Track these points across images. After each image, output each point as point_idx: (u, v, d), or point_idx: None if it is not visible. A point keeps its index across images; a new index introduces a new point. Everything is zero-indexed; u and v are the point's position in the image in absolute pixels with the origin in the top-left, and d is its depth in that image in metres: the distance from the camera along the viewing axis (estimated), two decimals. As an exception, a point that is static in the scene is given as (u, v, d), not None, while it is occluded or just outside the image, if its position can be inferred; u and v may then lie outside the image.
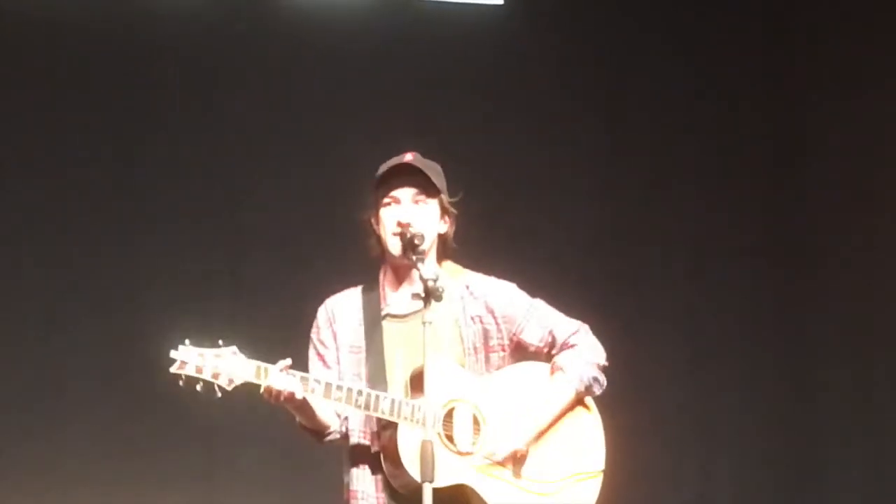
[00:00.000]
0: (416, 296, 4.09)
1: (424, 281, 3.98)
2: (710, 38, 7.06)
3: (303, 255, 6.53)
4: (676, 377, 6.92)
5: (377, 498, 4.20)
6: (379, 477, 4.20)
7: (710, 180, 7.03)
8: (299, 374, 4.08)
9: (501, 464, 4.20)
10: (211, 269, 6.52)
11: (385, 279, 4.32)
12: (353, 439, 4.25)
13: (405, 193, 4.26)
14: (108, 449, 6.37)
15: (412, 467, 4.06)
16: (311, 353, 4.31)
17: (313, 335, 4.33)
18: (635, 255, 6.94)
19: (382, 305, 4.28)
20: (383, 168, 4.27)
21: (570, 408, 4.32)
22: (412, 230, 4.17)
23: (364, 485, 4.22)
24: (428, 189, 4.26)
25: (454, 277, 4.33)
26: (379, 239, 4.28)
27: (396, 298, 4.29)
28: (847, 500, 6.78)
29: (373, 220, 4.30)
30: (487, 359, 4.30)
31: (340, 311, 4.31)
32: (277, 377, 4.03)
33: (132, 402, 6.34)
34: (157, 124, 6.58)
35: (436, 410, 4.07)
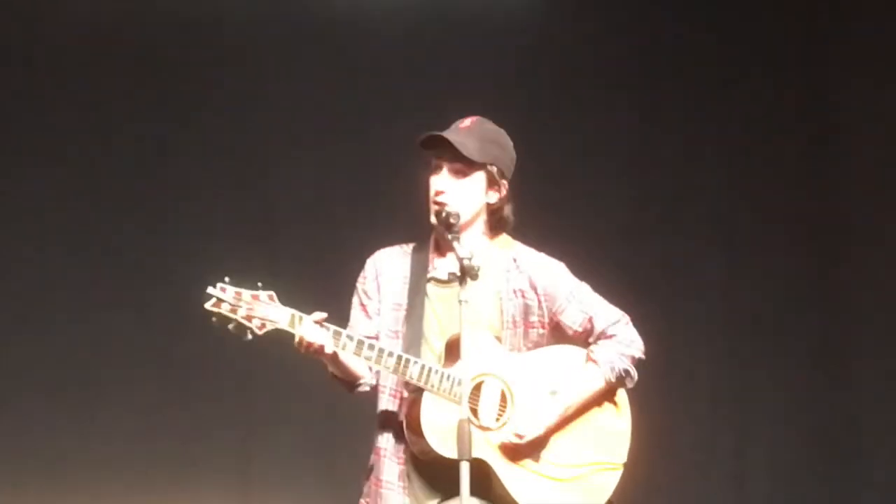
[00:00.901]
0: (452, 275, 4.10)
1: (460, 260, 3.96)
2: (744, 19, 7.03)
3: (339, 215, 6.56)
4: (711, 357, 6.90)
5: (399, 458, 4.21)
6: (404, 439, 4.21)
7: (745, 160, 7.01)
8: (333, 328, 4.08)
9: (522, 445, 4.19)
10: (248, 235, 6.55)
11: (434, 242, 4.33)
12: (384, 398, 4.26)
13: (445, 162, 4.25)
14: (142, 432, 6.39)
15: (431, 436, 4.08)
16: (355, 301, 4.32)
17: (359, 285, 4.33)
18: (668, 237, 6.92)
19: (429, 268, 4.29)
20: (421, 136, 4.25)
21: (600, 398, 4.31)
22: (448, 209, 4.16)
23: (389, 443, 4.23)
24: (470, 160, 4.22)
25: (503, 249, 4.32)
26: None
27: (442, 263, 4.29)
28: (883, 479, 6.75)
29: None
30: (526, 333, 4.29)
31: (388, 266, 4.32)
32: (310, 328, 4.04)
33: (167, 380, 6.39)
34: (201, 80, 6.62)
35: (464, 382, 4.06)
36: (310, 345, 4.05)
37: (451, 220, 4.15)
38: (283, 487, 6.42)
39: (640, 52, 6.98)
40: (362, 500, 4.31)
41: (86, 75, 6.53)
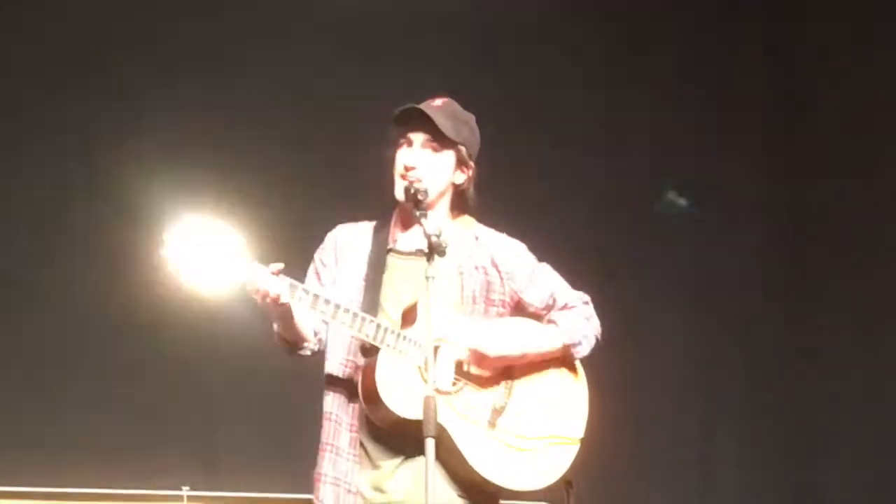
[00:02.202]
0: (419, 251, 4.08)
1: (428, 236, 3.96)
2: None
3: (310, 190, 6.54)
4: (679, 342, 6.93)
5: (350, 425, 4.21)
6: (354, 405, 4.20)
7: (716, 146, 7.02)
8: (289, 280, 4.06)
9: (478, 410, 4.18)
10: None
11: (397, 217, 4.33)
12: (334, 365, 4.25)
13: (418, 137, 4.25)
14: (105, 408, 6.36)
15: (388, 398, 4.07)
16: (310, 269, 4.32)
17: (316, 255, 4.34)
18: (638, 216, 6.94)
19: (390, 241, 4.29)
20: (398, 110, 4.25)
21: (556, 363, 4.32)
22: (417, 185, 4.15)
23: (338, 409, 4.23)
24: (443, 137, 4.23)
25: (465, 228, 4.33)
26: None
27: (404, 236, 4.30)
28: (848, 458, 6.78)
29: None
30: (486, 311, 4.28)
31: (348, 239, 4.33)
32: (267, 278, 4.01)
33: (132, 350, 6.36)
34: (176, 46, 6.60)
35: (422, 344, 4.06)
36: (265, 294, 4.01)
37: (420, 197, 4.13)
38: (248, 463, 6.41)
39: (613, 30, 6.98)
40: (314, 472, 4.29)
41: (57, 43, 6.48)
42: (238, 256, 3.98)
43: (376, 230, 4.32)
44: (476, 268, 4.29)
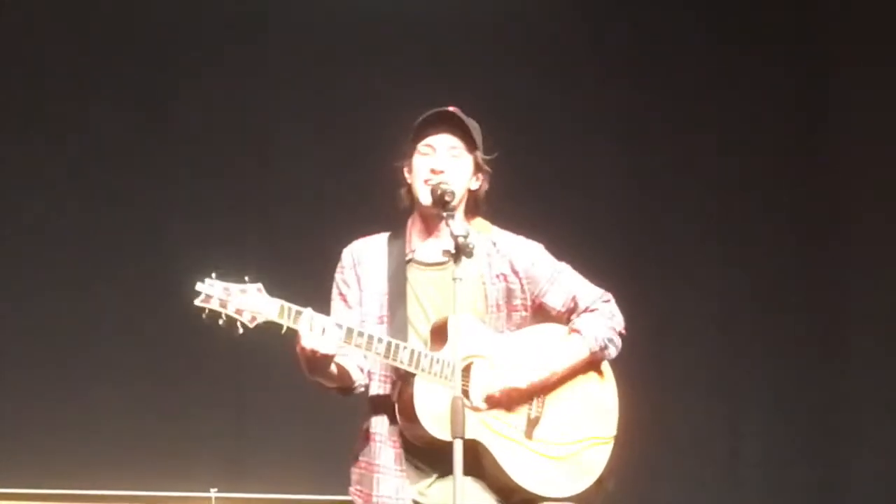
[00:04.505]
0: (446, 252, 4.04)
1: (455, 237, 3.95)
2: (741, 6, 7.04)
3: (332, 200, 6.55)
4: (705, 336, 6.91)
5: (394, 442, 4.20)
6: (394, 422, 4.21)
7: (739, 141, 7.00)
8: (323, 317, 4.04)
9: (514, 424, 4.19)
10: (243, 217, 6.54)
11: (413, 227, 4.33)
12: (374, 383, 4.25)
13: (442, 143, 4.25)
14: (133, 410, 6.38)
15: (426, 419, 4.07)
16: (335, 292, 4.31)
17: (337, 276, 4.33)
18: (665, 216, 6.92)
19: (407, 251, 4.29)
20: (424, 115, 4.25)
21: (584, 368, 4.33)
22: (444, 186, 4.15)
23: (383, 428, 4.22)
24: (465, 143, 4.24)
25: (482, 234, 4.32)
26: (410, 188, 4.28)
27: (423, 247, 4.29)
28: (875, 456, 6.75)
29: (405, 170, 4.29)
30: (509, 317, 4.30)
31: (366, 255, 4.32)
32: (305, 321, 3.99)
33: (160, 353, 6.38)
34: (195, 66, 6.62)
35: (455, 365, 4.05)
36: (313, 350, 4.00)
37: (447, 199, 4.15)
38: (275, 465, 6.41)
39: (635, 33, 6.97)
40: (354, 488, 4.29)
41: (77, 54, 6.50)
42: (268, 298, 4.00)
43: (391, 242, 4.32)
44: (497, 276, 4.30)
